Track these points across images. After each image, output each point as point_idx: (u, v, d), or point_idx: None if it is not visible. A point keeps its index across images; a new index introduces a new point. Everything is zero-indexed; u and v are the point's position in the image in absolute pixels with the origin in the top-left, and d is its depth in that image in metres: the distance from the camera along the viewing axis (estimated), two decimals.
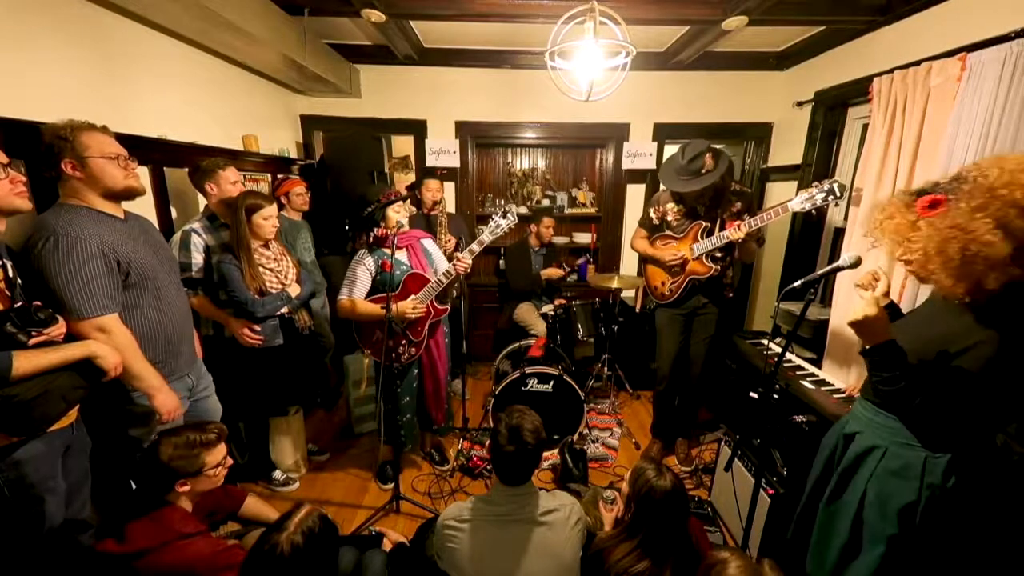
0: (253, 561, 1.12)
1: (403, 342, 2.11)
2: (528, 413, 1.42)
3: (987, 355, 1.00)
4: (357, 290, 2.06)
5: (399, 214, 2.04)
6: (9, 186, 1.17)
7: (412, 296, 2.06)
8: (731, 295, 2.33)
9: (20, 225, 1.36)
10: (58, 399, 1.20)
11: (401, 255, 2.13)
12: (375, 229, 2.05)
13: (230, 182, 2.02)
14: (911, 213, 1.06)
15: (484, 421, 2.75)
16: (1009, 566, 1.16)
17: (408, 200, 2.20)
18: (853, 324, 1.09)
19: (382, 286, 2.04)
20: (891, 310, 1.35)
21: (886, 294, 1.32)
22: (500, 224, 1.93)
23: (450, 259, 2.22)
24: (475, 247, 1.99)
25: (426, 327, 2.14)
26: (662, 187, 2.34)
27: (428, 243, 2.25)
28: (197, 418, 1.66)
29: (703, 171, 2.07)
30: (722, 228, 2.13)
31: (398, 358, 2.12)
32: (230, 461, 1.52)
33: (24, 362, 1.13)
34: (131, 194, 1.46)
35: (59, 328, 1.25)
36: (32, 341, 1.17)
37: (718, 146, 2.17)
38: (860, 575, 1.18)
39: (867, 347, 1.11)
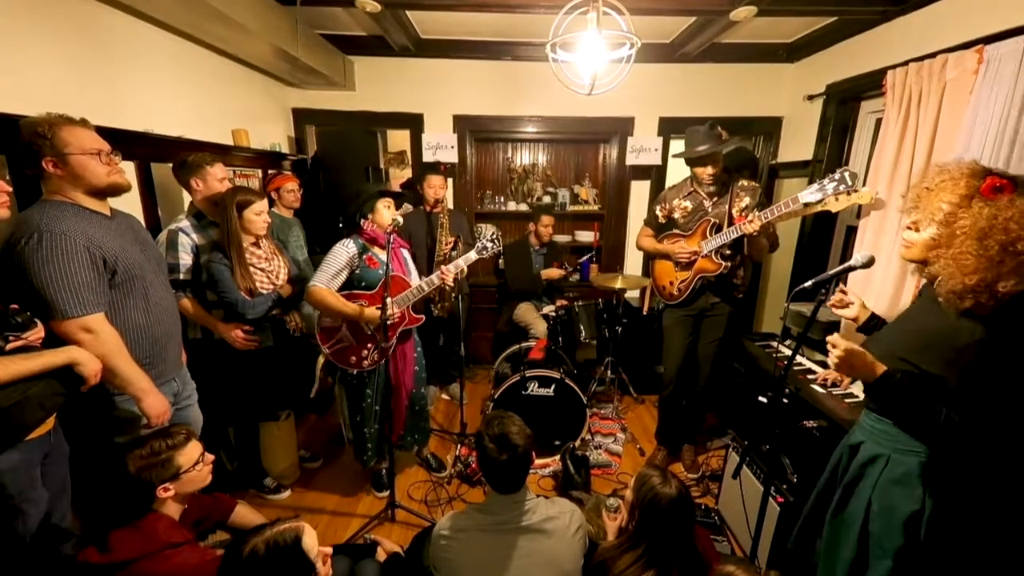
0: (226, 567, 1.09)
1: (369, 346, 2.02)
2: (508, 416, 1.40)
3: (969, 360, 1.00)
4: (334, 281, 1.97)
5: (390, 210, 2.00)
6: None
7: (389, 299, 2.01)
8: (742, 295, 2.29)
9: (1, 222, 1.31)
10: (36, 407, 1.17)
11: (384, 256, 2.07)
12: (362, 222, 2.00)
13: (218, 179, 1.95)
14: (963, 188, 1.01)
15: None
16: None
17: (400, 200, 2.14)
18: (835, 369, 1.14)
19: (358, 282, 1.99)
20: (874, 322, 1.35)
21: (865, 309, 1.36)
22: (486, 247, 2.07)
23: (445, 261, 2.18)
24: (461, 263, 2.05)
25: (396, 334, 2.05)
26: (667, 185, 2.33)
27: (406, 252, 2.23)
28: None
29: (722, 139, 2.17)
30: (730, 224, 2.10)
31: (359, 362, 2.03)
32: (210, 457, 1.48)
33: (0, 370, 1.08)
34: (116, 190, 1.42)
35: (38, 332, 1.21)
36: (9, 346, 1.14)
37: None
38: None
39: (868, 386, 1.11)
